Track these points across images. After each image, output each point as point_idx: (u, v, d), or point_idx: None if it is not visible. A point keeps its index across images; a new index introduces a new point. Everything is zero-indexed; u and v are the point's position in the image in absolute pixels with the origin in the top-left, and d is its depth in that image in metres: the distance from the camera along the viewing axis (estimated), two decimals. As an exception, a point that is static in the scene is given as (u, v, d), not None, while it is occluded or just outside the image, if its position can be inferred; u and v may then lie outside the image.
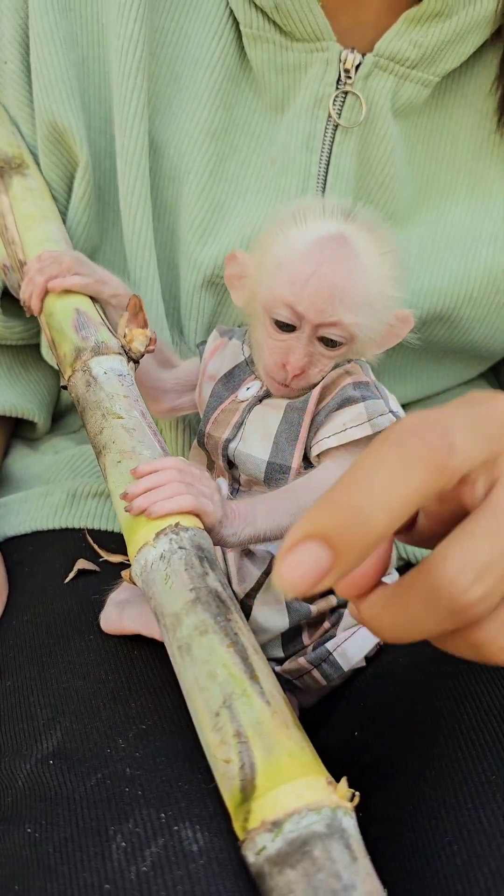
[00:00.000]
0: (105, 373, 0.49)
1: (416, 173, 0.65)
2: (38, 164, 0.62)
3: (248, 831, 0.31)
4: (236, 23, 0.60)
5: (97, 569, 0.54)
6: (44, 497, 0.63)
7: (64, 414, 0.73)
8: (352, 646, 0.51)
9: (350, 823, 0.31)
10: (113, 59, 0.60)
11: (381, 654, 0.52)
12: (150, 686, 0.42)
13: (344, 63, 0.59)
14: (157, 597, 0.40)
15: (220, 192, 0.61)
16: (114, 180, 0.63)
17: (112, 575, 0.54)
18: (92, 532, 0.59)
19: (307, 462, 0.49)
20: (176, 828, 0.32)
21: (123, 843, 0.32)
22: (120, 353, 0.50)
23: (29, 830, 0.35)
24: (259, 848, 0.31)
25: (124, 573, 0.44)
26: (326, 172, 0.62)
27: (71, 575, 0.53)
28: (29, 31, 0.60)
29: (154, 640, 0.46)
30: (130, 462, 0.45)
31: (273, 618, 0.49)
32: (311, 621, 0.50)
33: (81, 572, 0.54)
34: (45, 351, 0.65)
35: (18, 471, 0.68)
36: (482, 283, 0.63)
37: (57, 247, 0.56)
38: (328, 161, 0.61)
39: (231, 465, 0.51)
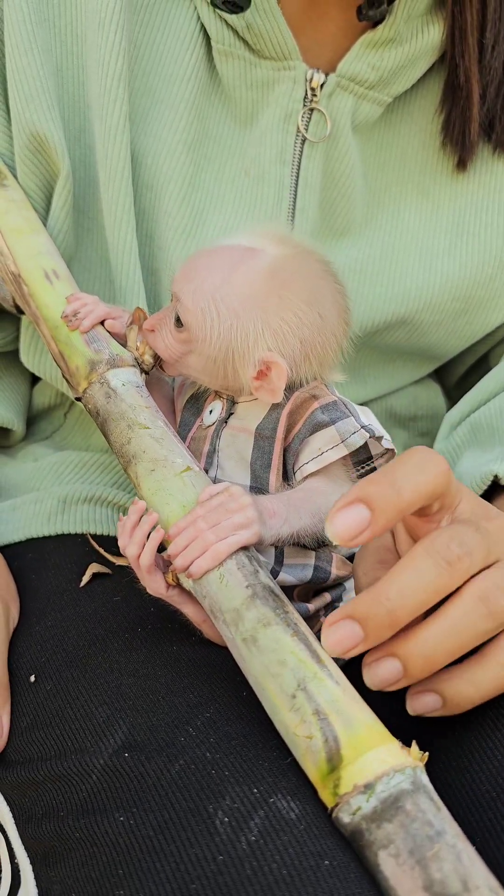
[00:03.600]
0: (123, 385, 0.51)
1: (370, 183, 0.70)
2: (14, 175, 0.63)
3: (340, 796, 0.36)
4: (207, 38, 0.63)
5: (110, 572, 0.56)
6: (34, 504, 0.64)
7: (35, 420, 0.73)
8: None
9: (427, 780, 0.36)
10: (92, 70, 0.61)
11: None
12: (202, 678, 0.45)
13: (310, 82, 0.64)
14: (212, 595, 0.43)
15: (198, 202, 0.64)
16: (89, 189, 0.64)
17: (123, 577, 0.56)
18: (91, 537, 0.61)
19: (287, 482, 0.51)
20: (272, 800, 0.36)
21: (226, 819, 0.35)
22: (134, 366, 0.53)
23: (122, 819, 0.38)
24: (354, 809, 0.35)
25: (168, 576, 0.47)
26: (296, 184, 0.66)
27: (86, 579, 0.55)
28: (4, 42, 0.61)
29: (193, 637, 0.49)
30: (165, 470, 0.47)
31: None
32: (308, 618, 0.54)
33: (94, 576, 0.56)
34: (26, 357, 0.66)
35: None
36: (440, 291, 0.69)
37: (50, 259, 0.58)
38: (297, 173, 0.66)
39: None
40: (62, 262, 0.58)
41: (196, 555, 0.43)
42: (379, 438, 0.49)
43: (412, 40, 0.63)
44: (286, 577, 0.50)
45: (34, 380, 0.73)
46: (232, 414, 0.51)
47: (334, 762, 0.36)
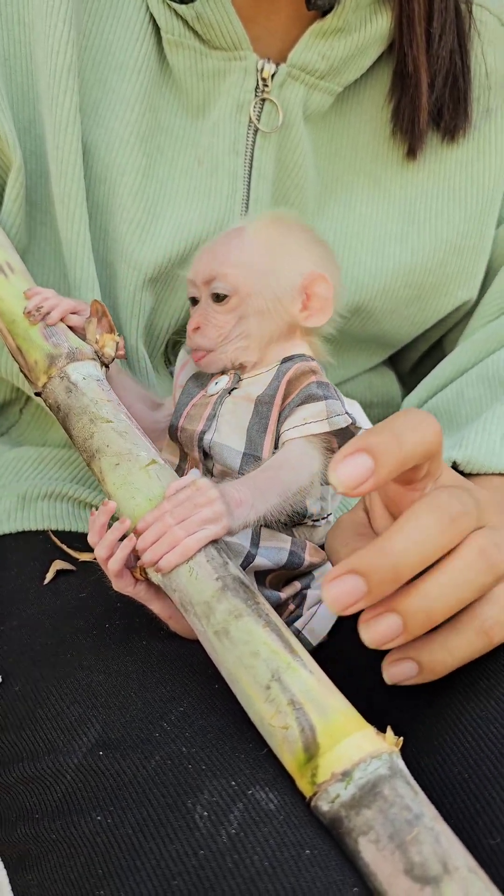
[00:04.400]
0: (84, 378, 0.51)
1: (321, 172, 0.70)
2: None
3: (318, 784, 0.36)
4: (156, 28, 0.62)
5: (73, 568, 0.56)
6: (-7, 502, 0.63)
7: (-14, 416, 0.72)
8: (318, 623, 0.55)
9: (403, 764, 0.36)
10: (40, 60, 0.60)
11: (338, 631, 0.56)
12: (173, 672, 0.45)
13: (261, 72, 0.63)
14: (182, 589, 0.42)
15: (152, 193, 0.63)
16: (41, 181, 0.63)
17: (87, 573, 0.56)
18: (53, 533, 0.60)
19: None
20: (250, 791, 0.36)
21: (206, 813, 0.35)
22: (94, 359, 0.52)
23: (99, 818, 0.37)
24: (333, 797, 0.35)
25: (136, 570, 0.46)
26: (250, 175, 0.66)
27: (49, 576, 0.55)
28: None
29: (161, 632, 0.48)
30: (129, 464, 0.47)
31: None
32: (279, 605, 0.55)
33: (58, 573, 0.55)
34: None
35: None
36: (393, 278, 0.69)
37: (3, 252, 0.56)
38: (251, 164, 0.65)
39: (206, 456, 0.54)
40: (16, 255, 0.57)
41: (165, 550, 0.43)
42: (358, 429, 0.51)
43: (361, 29, 0.63)
44: (262, 560, 0.50)
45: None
46: (235, 388, 0.54)
47: (311, 751, 0.36)
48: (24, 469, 0.66)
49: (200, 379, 0.56)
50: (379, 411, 0.80)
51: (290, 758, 0.37)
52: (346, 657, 0.51)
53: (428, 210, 0.71)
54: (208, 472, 0.54)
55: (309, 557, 0.54)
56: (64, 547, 0.58)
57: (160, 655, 0.46)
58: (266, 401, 0.52)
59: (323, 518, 0.55)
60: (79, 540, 0.60)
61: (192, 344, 0.55)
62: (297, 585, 0.55)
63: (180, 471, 0.55)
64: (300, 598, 0.55)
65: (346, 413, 0.51)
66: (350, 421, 0.50)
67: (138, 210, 0.62)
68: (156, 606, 0.47)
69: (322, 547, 0.56)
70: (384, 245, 0.70)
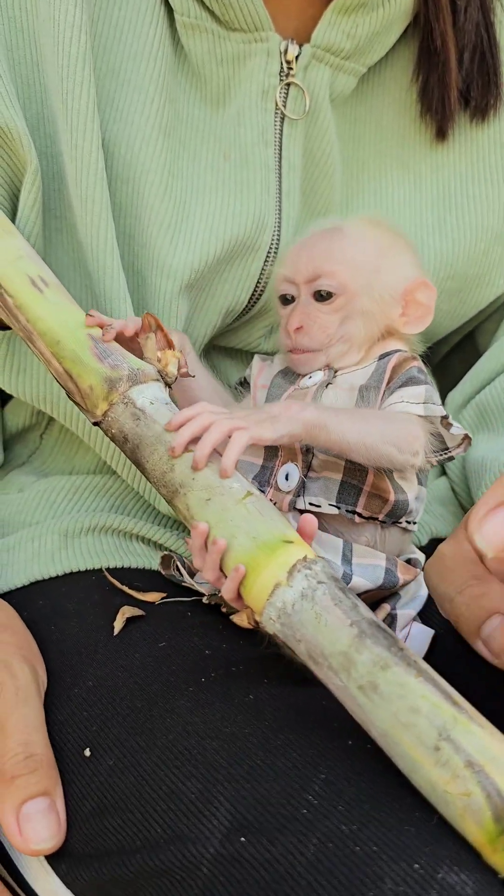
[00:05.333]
0: (151, 403, 0.45)
1: (347, 161, 0.65)
2: None
3: (517, 860, 0.31)
4: (169, 10, 0.57)
5: (143, 613, 0.50)
6: (32, 542, 0.56)
7: (9, 444, 0.65)
8: (413, 644, 0.51)
9: None
10: (48, 49, 0.54)
11: (433, 652, 0.52)
12: (296, 730, 0.39)
13: (285, 54, 0.58)
14: (310, 639, 0.37)
15: (180, 191, 0.57)
16: (54, 184, 0.57)
17: (156, 614, 0.50)
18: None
19: None
20: (440, 875, 0.31)
21: (395, 908, 0.31)
22: (158, 380, 0.46)
23: (258, 919, 0.32)
24: (539, 873, 0.31)
25: (238, 618, 0.41)
26: (280, 166, 0.60)
27: (119, 625, 0.49)
28: None
29: (265, 680, 0.43)
30: (223, 498, 0.41)
31: None
32: None
33: (126, 620, 0.49)
34: (1, 378, 0.58)
35: None
36: (434, 271, 0.65)
37: (33, 264, 0.50)
38: (280, 154, 0.60)
39: (307, 449, 0.50)
40: (46, 267, 0.51)
41: (216, 438, 0.41)
42: (449, 425, 0.50)
43: (384, 4, 0.59)
44: (360, 580, 0.48)
45: (1, 400, 0.65)
46: (331, 383, 0.52)
47: (503, 821, 0.32)
48: (58, 501, 0.59)
49: (288, 376, 0.54)
50: (416, 408, 0.76)
51: (476, 829, 0.32)
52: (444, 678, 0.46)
53: (464, 195, 0.67)
54: (307, 467, 0.49)
55: (402, 575, 0.50)
56: (126, 588, 0.52)
57: (274, 711, 0.41)
58: (373, 385, 0.51)
59: (414, 522, 0.51)
60: (135, 577, 0.54)
61: (294, 344, 0.53)
62: (386, 608, 0.51)
63: (266, 471, 0.51)
64: (390, 618, 0.51)
65: (442, 406, 0.50)
66: (443, 413, 0.49)
67: (167, 211, 0.56)
68: None
69: (409, 562, 0.52)
70: (422, 235, 0.65)
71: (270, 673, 0.44)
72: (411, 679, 0.35)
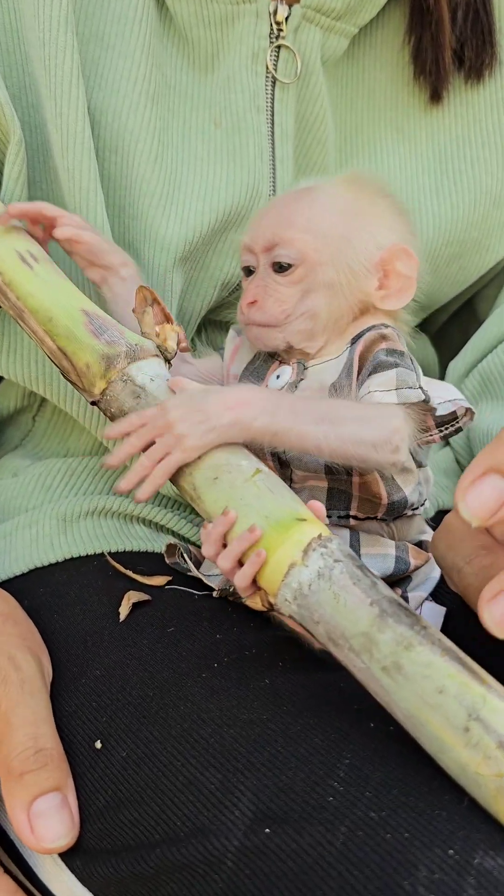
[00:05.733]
0: (152, 380, 0.43)
1: (340, 126, 0.63)
2: None
3: None
4: None
5: (149, 598, 0.48)
6: (29, 528, 0.54)
7: (1, 428, 0.63)
8: None
9: None
10: (28, 14, 0.51)
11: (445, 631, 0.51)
12: (315, 715, 0.38)
13: (274, 15, 0.56)
14: (329, 620, 0.36)
15: (171, 161, 0.55)
16: (39, 155, 0.54)
17: (162, 599, 0.48)
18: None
19: None
20: (476, 860, 0.30)
21: None
22: (157, 356, 0.44)
23: (288, 912, 0.31)
24: None
25: (252, 601, 0.39)
26: (273, 132, 0.58)
27: (125, 612, 0.47)
28: None
29: (280, 663, 0.42)
30: (230, 476, 0.40)
31: None
32: None
33: (133, 606, 0.48)
34: None
35: None
36: (433, 236, 0.63)
37: (20, 239, 0.48)
38: (272, 120, 0.58)
39: (282, 464, 0.47)
40: (34, 242, 0.48)
41: (136, 480, 0.40)
42: (432, 409, 0.45)
43: None
44: None
45: (-9, 382, 0.63)
46: (302, 379, 0.47)
47: (539, 802, 0.31)
48: (54, 485, 0.57)
49: (258, 371, 0.49)
50: (415, 379, 0.74)
51: (510, 811, 0.31)
52: None
53: (461, 158, 0.65)
54: (289, 480, 0.47)
55: (413, 560, 0.48)
56: (129, 573, 0.50)
57: (291, 694, 0.40)
58: (344, 383, 0.46)
59: (421, 505, 0.49)
60: (138, 561, 0.52)
61: (245, 320, 0.48)
62: (397, 591, 0.49)
63: None
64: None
65: (421, 388, 0.44)
66: (422, 398, 0.44)
67: (159, 181, 0.54)
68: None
69: (420, 545, 0.50)
70: (419, 200, 0.63)
71: (285, 656, 0.42)
72: (437, 658, 0.34)
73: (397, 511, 0.47)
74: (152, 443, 0.40)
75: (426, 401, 0.44)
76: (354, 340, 0.47)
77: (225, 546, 0.38)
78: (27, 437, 0.62)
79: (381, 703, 0.35)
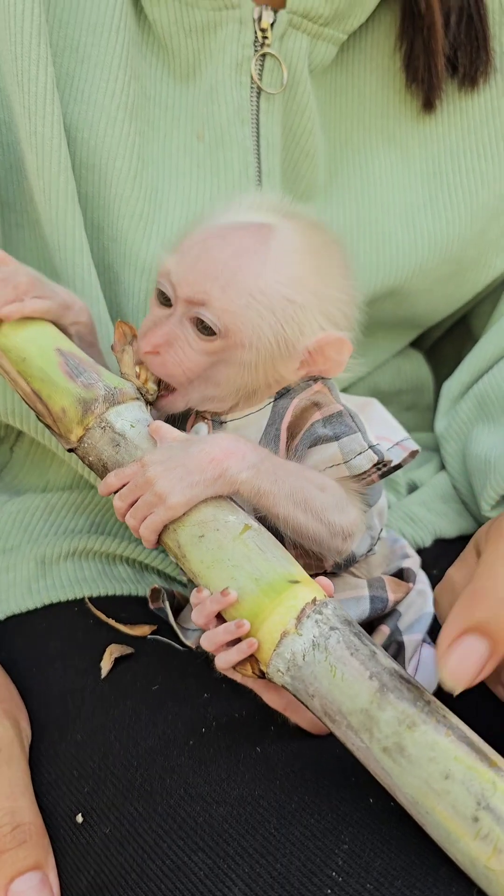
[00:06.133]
0: (132, 426, 0.40)
1: (329, 136, 0.60)
2: None
3: None
4: None
5: (132, 650, 0.46)
6: (7, 572, 0.52)
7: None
8: (425, 671, 0.47)
9: None
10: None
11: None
12: (310, 790, 0.35)
13: (259, 22, 0.53)
14: (325, 694, 0.33)
15: (151, 178, 0.52)
16: (13, 175, 0.52)
17: (146, 651, 0.46)
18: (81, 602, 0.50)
19: None
20: None
21: None
22: (138, 398, 0.41)
23: None
24: None
25: (241, 674, 0.36)
26: (258, 145, 0.55)
27: (107, 667, 0.44)
28: None
29: (272, 728, 0.39)
30: (217, 534, 0.37)
31: None
32: None
33: (115, 660, 0.45)
34: None
35: None
36: (428, 253, 0.60)
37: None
38: (258, 132, 0.55)
39: None
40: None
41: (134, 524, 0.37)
42: (387, 462, 0.42)
43: None
44: None
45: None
46: None
47: None
48: (33, 523, 0.55)
49: (178, 426, 0.43)
50: (408, 398, 0.72)
51: (525, 911, 0.29)
52: (463, 706, 0.43)
53: (456, 170, 0.62)
54: None
55: (392, 595, 0.45)
56: (111, 622, 0.47)
57: (285, 765, 0.37)
58: (270, 448, 0.41)
59: (376, 544, 0.47)
60: (120, 607, 0.50)
61: (148, 366, 0.42)
62: (385, 630, 0.46)
63: None
64: (396, 646, 0.46)
65: (370, 448, 0.41)
66: (375, 459, 0.41)
67: (138, 200, 0.51)
68: (269, 697, 0.38)
69: (400, 573, 0.47)
70: (412, 215, 0.60)
71: (277, 718, 0.40)
72: (442, 738, 0.31)
73: (347, 565, 0.44)
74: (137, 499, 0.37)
75: (381, 458, 0.41)
76: (280, 395, 0.43)
77: (219, 617, 0.36)
78: (5, 468, 0.59)
79: (384, 786, 0.33)
